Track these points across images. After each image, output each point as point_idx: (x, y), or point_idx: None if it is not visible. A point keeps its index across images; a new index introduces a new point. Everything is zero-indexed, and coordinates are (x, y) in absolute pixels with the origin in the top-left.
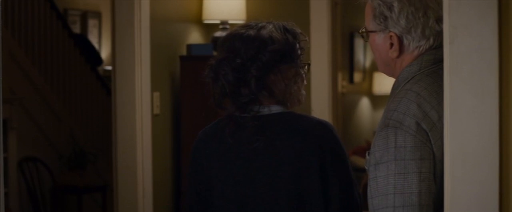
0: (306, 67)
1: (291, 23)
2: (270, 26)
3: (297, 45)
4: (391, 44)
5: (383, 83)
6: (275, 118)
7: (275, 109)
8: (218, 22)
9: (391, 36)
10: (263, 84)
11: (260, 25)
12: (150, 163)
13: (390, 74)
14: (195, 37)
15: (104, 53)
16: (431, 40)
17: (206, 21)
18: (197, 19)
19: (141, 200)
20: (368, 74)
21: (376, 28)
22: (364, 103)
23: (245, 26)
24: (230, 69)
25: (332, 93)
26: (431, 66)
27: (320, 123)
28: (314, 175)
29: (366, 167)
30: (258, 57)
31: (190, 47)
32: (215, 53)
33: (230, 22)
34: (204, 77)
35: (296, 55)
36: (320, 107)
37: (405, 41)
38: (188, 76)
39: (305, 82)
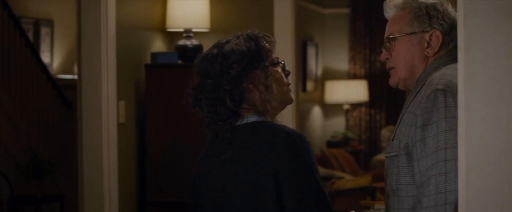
0: (280, 66)
1: (255, 30)
2: (234, 39)
3: (263, 48)
4: (428, 44)
5: (334, 92)
6: (245, 128)
7: (250, 119)
8: (181, 30)
9: (432, 34)
10: (240, 97)
11: (224, 41)
12: (116, 173)
13: (408, 82)
14: (158, 45)
15: (57, 62)
16: None
17: (169, 29)
18: (161, 27)
19: (108, 210)
20: (320, 83)
21: (417, 28)
22: (316, 111)
23: (212, 46)
24: (205, 92)
25: (297, 100)
26: None
27: (287, 133)
28: (270, 186)
29: (387, 155)
30: (225, 72)
31: (155, 55)
32: (180, 62)
33: (194, 30)
34: (168, 86)
35: (261, 58)
36: (285, 115)
37: (447, 38)
38: (153, 85)
39: (285, 80)
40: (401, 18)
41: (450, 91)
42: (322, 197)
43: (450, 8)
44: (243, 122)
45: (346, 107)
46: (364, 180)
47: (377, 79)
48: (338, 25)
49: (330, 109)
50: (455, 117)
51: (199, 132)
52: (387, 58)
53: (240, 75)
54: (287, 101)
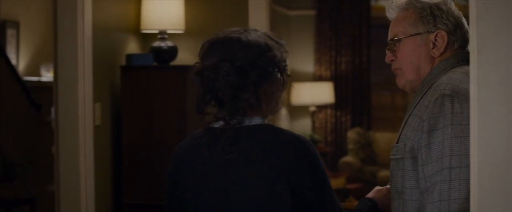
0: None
1: (272, 32)
2: (260, 33)
3: (286, 58)
4: (433, 44)
5: (300, 94)
6: (252, 130)
7: (255, 121)
8: (156, 31)
9: (437, 34)
10: (258, 93)
11: (249, 30)
12: (92, 175)
13: (414, 84)
14: (133, 47)
15: (22, 64)
16: None
17: (144, 31)
18: (135, 29)
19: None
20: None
21: (421, 29)
22: (282, 113)
23: (235, 31)
24: (233, 71)
25: None
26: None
27: (297, 138)
28: (285, 190)
29: (392, 157)
30: (257, 63)
31: (130, 57)
32: (155, 64)
33: (169, 31)
34: (144, 88)
35: (285, 67)
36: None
37: (452, 39)
38: (129, 86)
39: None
40: (405, 19)
41: (457, 96)
42: (334, 198)
43: (453, 6)
44: (249, 124)
45: (312, 109)
46: (337, 182)
47: (343, 81)
48: (303, 27)
49: (296, 111)
50: (461, 124)
51: (174, 134)
52: (392, 60)
53: (269, 73)
54: (279, 112)
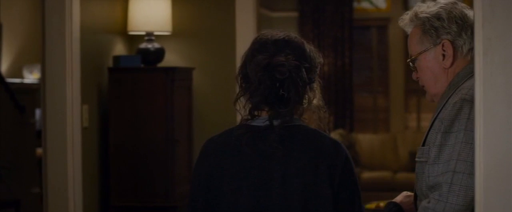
0: None
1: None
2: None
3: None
4: (443, 55)
5: None
6: (294, 130)
7: (296, 121)
8: (143, 33)
9: (443, 44)
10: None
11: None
12: (80, 177)
13: (437, 94)
14: (119, 48)
15: (5, 66)
16: None
17: (131, 32)
18: (122, 30)
19: None
20: None
21: (427, 44)
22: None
23: (285, 32)
24: (304, 69)
25: None
26: None
27: (335, 142)
28: (326, 190)
29: (417, 160)
30: (315, 66)
31: (117, 58)
32: (142, 65)
33: (156, 33)
34: (131, 90)
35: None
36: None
37: (458, 44)
38: (116, 88)
39: None
40: (413, 37)
41: None
42: (361, 203)
43: (456, 10)
44: (292, 124)
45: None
46: None
47: (325, 82)
48: (286, 29)
49: None
50: (473, 131)
51: (162, 135)
52: (417, 77)
53: (316, 79)
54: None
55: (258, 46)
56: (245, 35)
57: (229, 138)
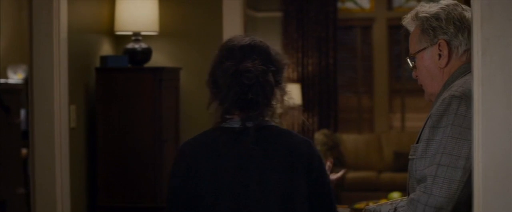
0: None
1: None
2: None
3: None
4: (439, 55)
5: None
6: (267, 130)
7: (267, 122)
8: (130, 33)
9: (439, 44)
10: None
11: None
12: (68, 178)
13: (434, 94)
14: (106, 48)
15: None
16: None
17: (118, 32)
18: (109, 30)
19: None
20: None
21: (425, 43)
22: None
23: (251, 38)
24: (270, 73)
25: None
26: None
27: (307, 141)
28: (302, 187)
29: (410, 157)
30: (281, 69)
31: (104, 59)
32: (130, 65)
33: (143, 33)
34: (118, 90)
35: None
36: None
37: (454, 45)
38: (104, 88)
39: None
40: (413, 37)
41: (465, 99)
42: (334, 196)
43: (455, 12)
44: (266, 124)
45: (279, 110)
46: None
47: (310, 83)
48: (270, 29)
49: None
50: (461, 126)
51: (150, 135)
52: (416, 76)
53: (284, 80)
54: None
55: (226, 53)
56: (232, 35)
57: (205, 140)
